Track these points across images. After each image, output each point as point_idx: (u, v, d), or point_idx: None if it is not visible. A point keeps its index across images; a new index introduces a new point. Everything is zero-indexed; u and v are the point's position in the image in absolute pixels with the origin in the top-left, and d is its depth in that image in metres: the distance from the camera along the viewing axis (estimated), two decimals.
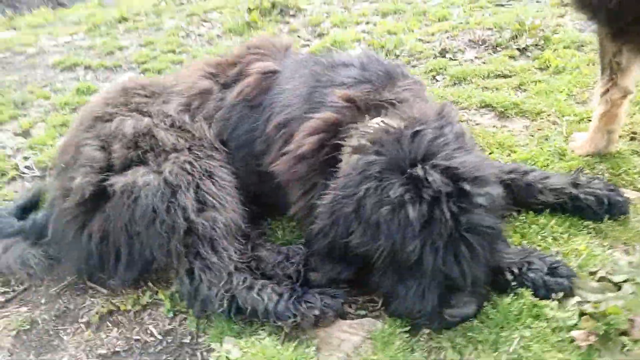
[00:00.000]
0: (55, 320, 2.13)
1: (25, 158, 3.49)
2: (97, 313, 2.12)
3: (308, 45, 5.14)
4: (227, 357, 1.76)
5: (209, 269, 2.03)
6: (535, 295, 1.83)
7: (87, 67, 5.29)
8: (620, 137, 2.75)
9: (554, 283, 1.84)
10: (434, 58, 4.27)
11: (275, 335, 1.87)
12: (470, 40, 4.60)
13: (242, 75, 2.52)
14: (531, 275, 1.88)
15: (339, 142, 2.02)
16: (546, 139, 2.90)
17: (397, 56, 4.43)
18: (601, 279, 1.86)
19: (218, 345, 1.82)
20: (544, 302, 1.79)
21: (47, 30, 7.09)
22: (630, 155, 2.65)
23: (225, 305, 1.96)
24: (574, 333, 1.68)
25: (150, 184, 2.10)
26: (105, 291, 2.24)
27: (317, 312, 1.88)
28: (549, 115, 3.14)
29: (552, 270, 1.88)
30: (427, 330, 1.82)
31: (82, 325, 2.09)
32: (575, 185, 2.26)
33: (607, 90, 2.48)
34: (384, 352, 1.71)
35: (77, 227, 2.21)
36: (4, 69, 5.57)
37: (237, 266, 2.06)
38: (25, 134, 3.87)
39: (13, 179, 3.28)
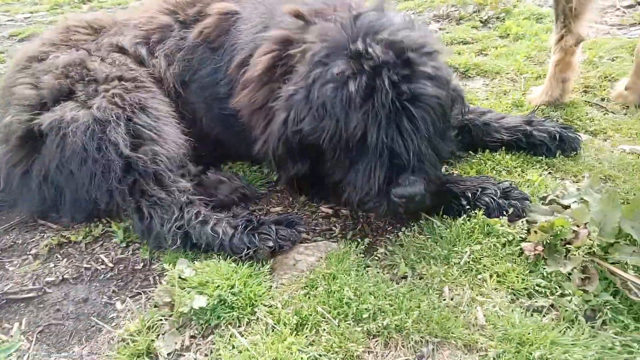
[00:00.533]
0: (1, 253, 2.05)
1: None
2: (46, 245, 2.04)
3: None
4: (179, 276, 1.72)
5: (159, 205, 1.95)
6: (488, 216, 1.86)
7: None
8: (574, 90, 2.84)
9: (507, 205, 1.87)
10: None
11: (230, 258, 1.84)
12: (435, 15, 4.68)
13: (201, 15, 2.47)
14: (485, 199, 1.91)
15: (291, 53, 1.96)
16: (505, 94, 2.97)
17: None
18: (551, 202, 1.91)
19: (171, 266, 1.77)
20: (495, 220, 1.81)
21: (3, 9, 6.88)
22: (584, 105, 2.73)
23: (179, 242, 1.90)
24: (523, 245, 1.71)
25: (79, 120, 1.97)
26: (55, 227, 2.16)
27: (271, 244, 1.84)
28: (507, 73, 3.22)
29: (506, 194, 1.92)
30: (381, 250, 1.82)
31: (30, 257, 2.01)
32: (530, 122, 2.32)
33: (562, 37, 2.55)
34: (338, 267, 1.71)
35: (22, 171, 2.10)
36: None
37: (189, 198, 1.99)
38: None
39: None
